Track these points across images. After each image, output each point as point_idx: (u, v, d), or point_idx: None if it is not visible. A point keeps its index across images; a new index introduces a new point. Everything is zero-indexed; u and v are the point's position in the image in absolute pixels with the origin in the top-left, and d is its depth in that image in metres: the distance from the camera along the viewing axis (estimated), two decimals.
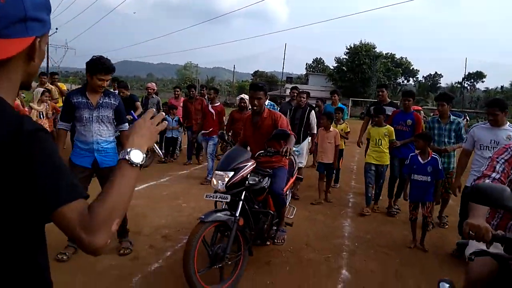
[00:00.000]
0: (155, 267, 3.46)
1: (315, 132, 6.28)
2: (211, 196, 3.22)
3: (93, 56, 3.40)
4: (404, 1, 21.59)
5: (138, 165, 1.00)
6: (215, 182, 3.22)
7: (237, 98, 7.65)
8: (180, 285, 2.55)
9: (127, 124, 3.78)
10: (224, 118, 7.40)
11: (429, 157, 4.40)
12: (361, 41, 50.08)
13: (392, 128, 5.55)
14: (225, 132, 6.35)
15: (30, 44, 0.92)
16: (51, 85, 8.71)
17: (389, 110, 6.03)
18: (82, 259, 3.48)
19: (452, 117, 5.07)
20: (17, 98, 6.54)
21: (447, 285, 1.46)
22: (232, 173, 3.19)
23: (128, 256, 3.61)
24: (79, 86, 5.14)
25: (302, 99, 6.31)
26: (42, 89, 7.51)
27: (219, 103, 7.40)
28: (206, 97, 8.50)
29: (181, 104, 8.80)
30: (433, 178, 4.33)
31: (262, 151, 3.48)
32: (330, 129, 6.02)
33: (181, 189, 6.24)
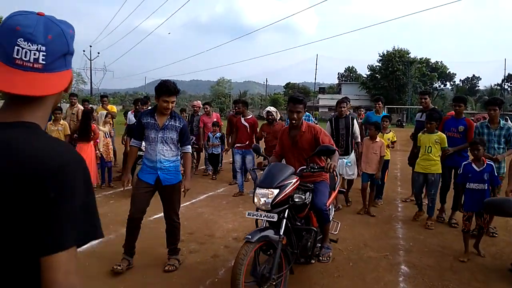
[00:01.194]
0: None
1: (359, 141, 6.27)
2: (255, 215, 3.11)
3: (161, 79, 3.73)
4: (437, 6, 21.40)
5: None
6: (258, 200, 3.08)
7: (264, 111, 7.50)
8: None
9: (189, 146, 3.89)
10: (257, 130, 7.35)
11: (485, 164, 4.26)
12: (394, 47, 49.78)
13: (444, 135, 5.31)
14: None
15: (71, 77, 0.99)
16: (102, 108, 9.45)
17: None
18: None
19: (502, 122, 5.03)
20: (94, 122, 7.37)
21: None
22: (277, 190, 3.02)
23: (209, 254, 4.16)
24: (120, 106, 5.32)
25: (342, 108, 6.08)
26: (106, 112, 8.38)
27: (251, 116, 7.38)
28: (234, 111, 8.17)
29: (214, 119, 9.06)
30: (490, 185, 4.19)
31: (305, 167, 3.35)
32: (376, 140, 5.94)
33: (239, 198, 6.78)
